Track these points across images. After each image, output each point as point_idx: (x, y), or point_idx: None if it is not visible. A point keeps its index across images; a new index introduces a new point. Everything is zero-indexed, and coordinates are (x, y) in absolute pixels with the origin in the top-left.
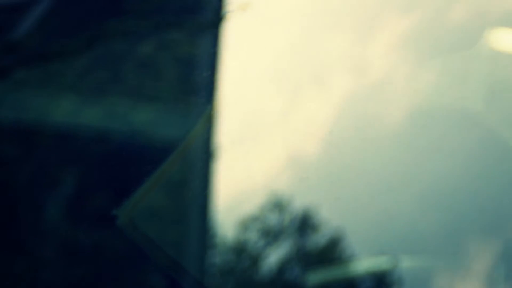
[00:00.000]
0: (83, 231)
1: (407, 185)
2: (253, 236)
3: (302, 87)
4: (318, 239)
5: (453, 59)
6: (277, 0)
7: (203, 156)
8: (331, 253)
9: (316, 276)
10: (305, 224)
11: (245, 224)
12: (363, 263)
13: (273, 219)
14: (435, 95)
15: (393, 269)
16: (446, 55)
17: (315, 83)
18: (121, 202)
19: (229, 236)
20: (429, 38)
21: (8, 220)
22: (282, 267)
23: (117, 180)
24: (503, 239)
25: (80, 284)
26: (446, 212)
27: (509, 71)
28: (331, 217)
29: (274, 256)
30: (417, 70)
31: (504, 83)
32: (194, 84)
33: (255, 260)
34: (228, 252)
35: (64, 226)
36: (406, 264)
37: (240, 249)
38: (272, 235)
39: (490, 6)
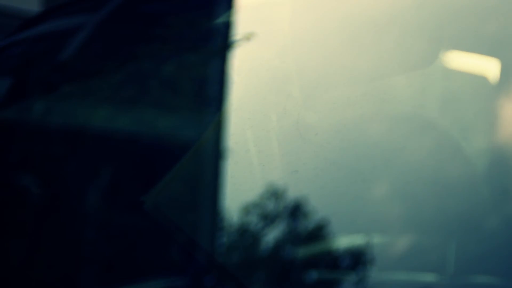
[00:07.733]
0: (117, 214)
1: (378, 177)
2: (254, 220)
3: (294, 97)
4: (307, 222)
5: (414, 76)
6: (277, 31)
7: (214, 154)
8: (317, 232)
9: (304, 251)
10: (296, 209)
11: (247, 210)
12: (343, 240)
13: (270, 205)
14: (400, 104)
15: (366, 245)
16: (408, 72)
17: (303, 94)
18: (148, 190)
19: (234, 219)
20: (395, 58)
21: (56, 206)
22: (277, 244)
23: (144, 173)
24: (456, 220)
25: (114, 257)
26: (409, 199)
27: (459, 85)
28: (317, 204)
29: (271, 236)
30: (385, 84)
31: (455, 95)
32: (206, 96)
33: (256, 238)
34: (234, 232)
35: (102, 210)
36: (377, 241)
37: (243, 230)
38: (269, 219)
39: (445, 33)
